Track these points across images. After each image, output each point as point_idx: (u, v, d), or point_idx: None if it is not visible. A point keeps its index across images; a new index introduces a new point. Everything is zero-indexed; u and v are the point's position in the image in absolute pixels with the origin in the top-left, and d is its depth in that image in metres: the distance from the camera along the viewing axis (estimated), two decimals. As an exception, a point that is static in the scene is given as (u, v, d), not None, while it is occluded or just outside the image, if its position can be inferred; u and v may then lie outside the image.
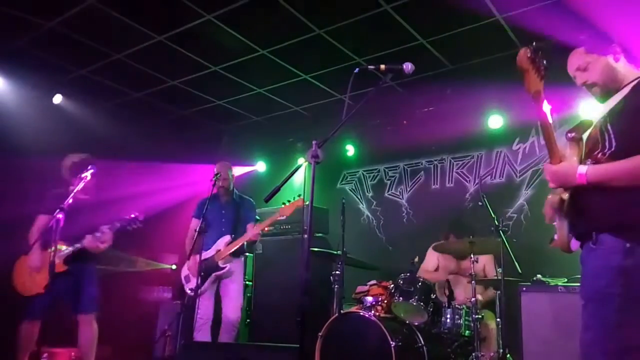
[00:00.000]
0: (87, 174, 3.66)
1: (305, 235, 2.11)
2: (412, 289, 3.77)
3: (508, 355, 3.57)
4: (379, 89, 2.41)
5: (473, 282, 3.70)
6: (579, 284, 3.41)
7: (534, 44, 1.86)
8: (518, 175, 5.26)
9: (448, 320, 3.74)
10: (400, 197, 6.06)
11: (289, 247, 5.31)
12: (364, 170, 6.45)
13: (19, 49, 4.73)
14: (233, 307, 4.28)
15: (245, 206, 4.61)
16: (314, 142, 2.24)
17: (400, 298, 3.77)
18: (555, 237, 2.00)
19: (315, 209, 5.39)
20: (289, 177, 2.46)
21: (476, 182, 5.46)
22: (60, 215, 3.31)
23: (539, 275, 3.78)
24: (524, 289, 3.68)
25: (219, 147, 6.95)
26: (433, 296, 3.81)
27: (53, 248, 3.31)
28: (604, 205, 1.80)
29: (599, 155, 1.86)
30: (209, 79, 5.24)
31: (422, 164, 5.97)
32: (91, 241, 3.83)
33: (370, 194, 6.32)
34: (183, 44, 4.60)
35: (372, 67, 2.43)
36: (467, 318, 3.73)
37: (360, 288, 4.27)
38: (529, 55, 1.85)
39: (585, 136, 1.96)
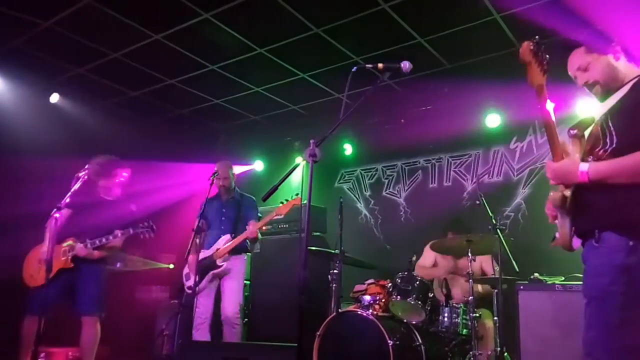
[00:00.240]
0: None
1: (303, 235, 2.11)
2: (410, 288, 3.77)
3: (505, 354, 3.58)
4: (376, 87, 2.41)
5: (470, 280, 3.71)
6: (576, 283, 3.47)
7: (537, 37, 1.87)
8: (515, 174, 5.27)
9: (445, 319, 3.75)
10: (398, 196, 6.06)
11: (287, 246, 5.31)
12: (362, 169, 6.45)
13: (16, 48, 4.71)
14: (230, 304, 4.26)
15: (246, 204, 4.60)
16: (311, 141, 2.23)
17: (398, 297, 3.77)
18: (557, 235, 1.99)
19: (313, 208, 5.39)
20: (287, 176, 2.45)
21: (474, 181, 5.47)
22: (57, 215, 3.33)
23: (536, 274, 3.79)
24: (521, 287, 3.68)
25: (216, 146, 6.95)
26: (431, 295, 3.81)
27: (50, 245, 3.34)
28: (606, 202, 1.79)
29: (600, 152, 1.86)
30: (207, 77, 5.23)
31: (419, 162, 5.98)
32: (82, 250, 3.84)
33: (368, 193, 6.32)
34: (180, 43, 4.59)
35: (369, 65, 2.43)
36: (464, 317, 3.74)
37: (358, 287, 4.27)
38: (531, 48, 1.87)
39: (586, 133, 1.96)
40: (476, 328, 3.64)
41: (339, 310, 3.86)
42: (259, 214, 4.58)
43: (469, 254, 3.78)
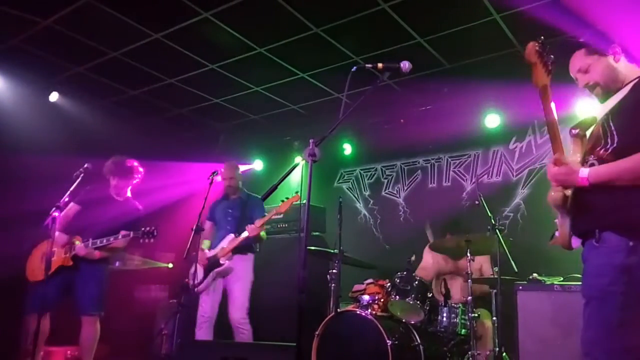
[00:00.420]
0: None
1: (302, 234, 2.11)
2: (409, 288, 3.77)
3: (504, 354, 3.58)
4: (376, 87, 2.41)
5: (469, 280, 3.71)
6: (575, 283, 3.47)
7: (542, 38, 1.88)
8: (515, 174, 5.27)
9: (444, 319, 3.75)
10: (397, 195, 6.06)
11: (286, 245, 5.31)
12: (361, 169, 6.45)
13: (15, 46, 4.71)
14: (236, 308, 4.28)
15: (252, 204, 4.62)
16: (311, 141, 2.23)
17: (397, 297, 3.77)
18: (557, 234, 1.99)
19: (312, 208, 5.39)
20: (286, 176, 2.46)
21: (473, 181, 5.48)
22: (56, 214, 3.34)
23: (535, 274, 3.79)
24: (520, 287, 3.68)
25: (215, 146, 6.95)
26: (429, 295, 3.81)
27: (50, 242, 3.36)
28: (607, 203, 1.80)
29: (601, 151, 1.87)
30: (206, 77, 5.22)
31: (419, 162, 5.98)
32: (83, 250, 3.84)
33: (368, 193, 6.32)
34: (180, 42, 4.59)
35: (369, 65, 2.43)
36: (463, 317, 3.74)
37: (357, 287, 4.27)
38: (537, 48, 1.88)
39: (589, 133, 1.97)
40: (475, 328, 3.64)
41: (338, 310, 3.86)
42: (265, 214, 4.60)
43: (468, 254, 3.78)
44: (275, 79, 5.27)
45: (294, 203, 4.33)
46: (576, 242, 1.96)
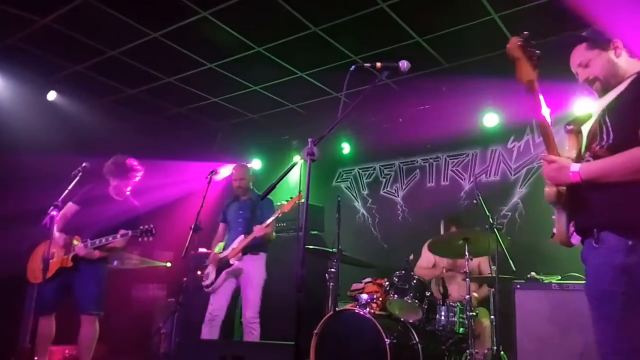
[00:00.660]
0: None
1: (301, 233, 2.11)
2: (407, 287, 3.78)
3: (502, 353, 3.59)
4: (374, 86, 2.41)
5: (467, 279, 3.72)
6: (572, 282, 3.48)
7: (526, 33, 1.87)
8: (513, 173, 5.28)
9: (442, 318, 3.75)
10: (396, 195, 6.07)
11: (285, 244, 5.30)
12: (360, 168, 6.45)
13: (13, 45, 4.70)
14: (248, 307, 4.34)
15: (262, 205, 4.64)
16: (309, 140, 2.23)
17: (395, 295, 3.78)
18: (554, 231, 1.98)
19: (311, 207, 5.39)
20: (285, 175, 2.46)
21: (471, 180, 5.48)
22: (54, 213, 3.33)
23: (532, 273, 3.79)
24: (518, 286, 3.69)
25: (214, 145, 6.94)
26: (428, 294, 3.82)
27: (48, 243, 3.35)
28: (602, 200, 1.79)
29: (597, 147, 1.85)
30: (205, 76, 5.22)
31: (417, 162, 5.99)
32: (82, 250, 3.84)
33: (366, 192, 6.33)
34: (178, 41, 4.59)
35: (368, 65, 2.43)
36: (461, 315, 3.75)
37: (355, 286, 4.27)
38: (519, 43, 1.86)
39: (586, 129, 1.95)
40: (473, 327, 3.64)
41: (337, 308, 3.86)
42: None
43: (466, 254, 3.79)
44: (273, 78, 5.27)
45: (297, 202, 4.35)
46: (576, 239, 1.95)
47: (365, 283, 4.15)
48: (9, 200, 4.64)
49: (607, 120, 1.85)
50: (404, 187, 6.04)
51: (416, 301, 3.72)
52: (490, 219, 3.75)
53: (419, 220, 5.69)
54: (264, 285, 4.51)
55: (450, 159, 5.75)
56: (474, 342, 3.61)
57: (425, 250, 4.60)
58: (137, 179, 4.23)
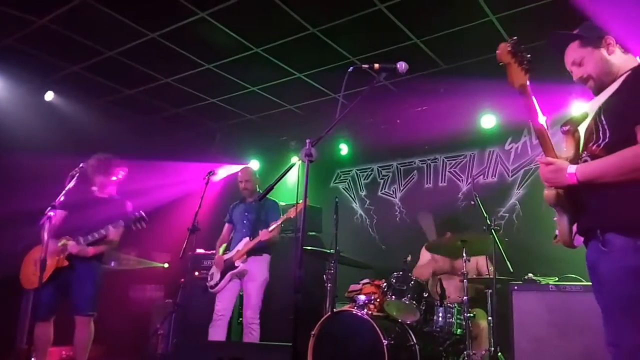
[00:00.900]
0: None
1: (299, 234, 2.11)
2: (405, 288, 3.78)
3: (499, 354, 3.59)
4: (372, 88, 2.41)
5: (465, 280, 3.72)
6: (569, 283, 3.49)
7: (515, 38, 1.87)
8: (510, 174, 5.29)
9: (440, 319, 3.76)
10: (394, 196, 6.07)
11: (282, 245, 5.30)
12: (358, 169, 6.45)
13: (10, 45, 4.69)
14: (249, 308, 4.36)
15: (268, 207, 4.68)
16: (307, 141, 2.24)
17: (393, 297, 3.78)
18: (557, 232, 1.95)
19: (309, 208, 5.39)
20: (282, 176, 2.46)
21: (469, 181, 5.49)
22: (52, 213, 3.31)
23: (530, 274, 3.80)
24: (516, 287, 3.69)
25: (211, 145, 6.94)
26: (425, 295, 3.82)
27: (44, 246, 3.32)
28: (602, 201, 1.76)
29: (594, 147, 1.83)
30: (202, 76, 5.22)
31: (415, 163, 5.99)
32: (75, 247, 3.79)
33: (364, 193, 6.33)
34: (176, 42, 4.58)
35: (366, 66, 2.43)
36: (458, 316, 3.75)
37: (353, 287, 4.27)
38: (509, 49, 1.85)
39: (583, 128, 1.93)
40: (470, 328, 3.64)
41: (334, 309, 3.86)
42: (280, 216, 4.63)
43: (464, 255, 3.79)
44: (271, 79, 5.27)
45: (293, 203, 4.38)
46: (579, 241, 1.92)
47: (363, 284, 4.15)
48: (6, 200, 4.63)
49: (603, 119, 1.83)
50: (401, 188, 6.04)
51: (414, 302, 3.72)
52: (488, 221, 3.76)
53: (416, 221, 5.69)
54: (266, 287, 4.52)
55: (448, 160, 5.76)
56: (472, 343, 3.62)
57: (423, 252, 4.60)
58: (121, 175, 4.15)
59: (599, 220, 1.79)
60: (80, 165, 3.69)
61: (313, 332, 3.62)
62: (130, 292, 6.24)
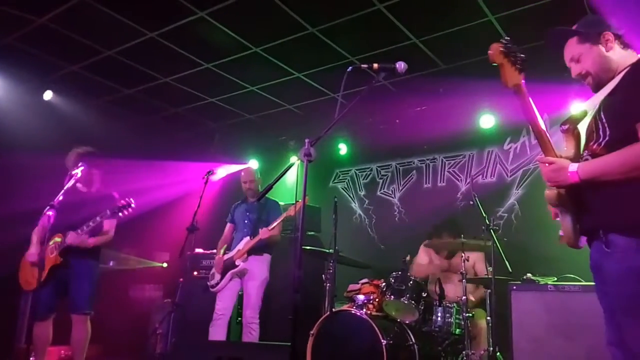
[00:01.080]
0: (78, 171, 3.61)
1: (298, 234, 2.11)
2: (404, 288, 3.78)
3: (498, 354, 3.60)
4: (371, 88, 2.42)
5: (464, 280, 3.73)
6: (568, 283, 3.49)
7: (507, 38, 1.86)
8: (509, 174, 5.30)
9: (439, 319, 3.76)
10: (393, 196, 6.07)
11: (281, 245, 5.30)
12: (357, 169, 6.46)
13: (9, 45, 4.68)
14: (248, 307, 4.36)
15: (269, 207, 4.69)
16: (306, 141, 2.23)
17: (392, 296, 3.78)
18: (561, 233, 1.93)
19: (308, 208, 5.39)
20: (281, 176, 2.46)
21: (467, 181, 5.49)
22: (50, 212, 3.29)
23: (529, 274, 3.80)
24: (514, 287, 3.70)
25: (211, 145, 6.94)
26: (424, 294, 3.82)
27: (40, 246, 3.31)
28: (604, 200, 1.75)
29: (594, 146, 1.81)
30: (202, 76, 5.21)
31: (414, 163, 6.00)
32: (74, 237, 3.72)
33: (363, 193, 6.33)
34: (175, 41, 4.58)
35: (365, 65, 2.43)
36: (457, 316, 3.76)
37: (352, 286, 4.27)
38: (501, 49, 1.83)
39: (584, 127, 1.92)
40: (469, 328, 3.65)
41: (333, 309, 3.86)
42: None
43: (463, 253, 3.80)
44: (270, 78, 5.27)
45: (292, 202, 4.38)
46: (584, 242, 1.90)
47: (362, 284, 4.15)
48: (5, 199, 4.63)
49: (603, 117, 1.81)
50: (400, 188, 6.05)
51: (413, 302, 3.72)
52: (487, 221, 3.76)
53: (415, 221, 5.69)
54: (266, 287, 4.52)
55: (446, 160, 5.77)
56: (470, 343, 3.63)
57: (422, 250, 4.60)
58: (102, 167, 4.01)
59: (601, 220, 1.78)
60: (79, 164, 3.67)
61: (312, 332, 3.63)
62: (129, 291, 6.24)
